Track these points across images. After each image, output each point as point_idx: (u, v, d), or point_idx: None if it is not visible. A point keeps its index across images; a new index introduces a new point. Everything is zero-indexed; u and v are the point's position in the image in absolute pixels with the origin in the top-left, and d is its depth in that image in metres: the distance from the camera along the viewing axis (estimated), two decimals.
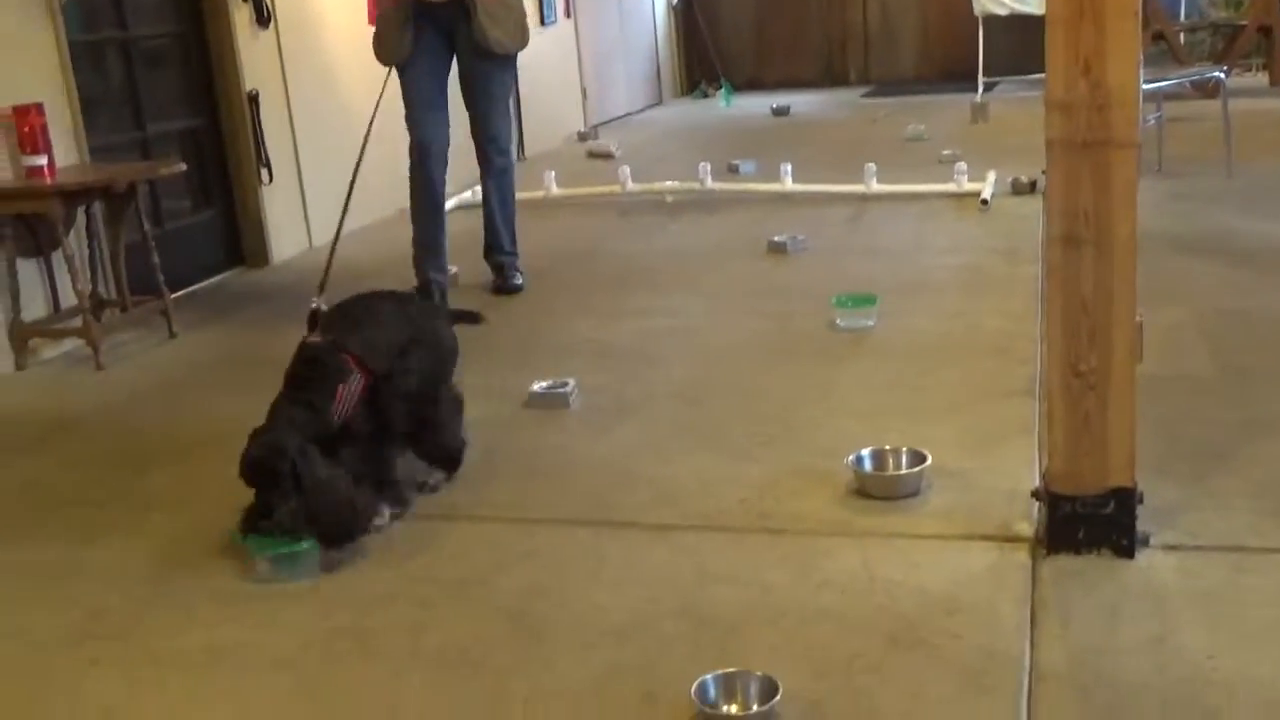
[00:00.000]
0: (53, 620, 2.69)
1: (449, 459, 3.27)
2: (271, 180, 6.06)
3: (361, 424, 3.00)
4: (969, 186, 6.43)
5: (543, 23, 9.28)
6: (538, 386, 3.84)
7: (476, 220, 5.27)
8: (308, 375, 2.96)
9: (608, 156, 8.52)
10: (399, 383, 3.05)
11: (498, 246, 5.22)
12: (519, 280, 5.20)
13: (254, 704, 2.31)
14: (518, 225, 5.30)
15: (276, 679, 2.39)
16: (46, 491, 3.39)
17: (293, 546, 2.79)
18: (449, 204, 5.80)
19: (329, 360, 2.97)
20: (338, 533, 2.83)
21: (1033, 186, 6.30)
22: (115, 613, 2.70)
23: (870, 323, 4.35)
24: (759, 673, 2.21)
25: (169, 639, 2.57)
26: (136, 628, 2.63)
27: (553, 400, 3.79)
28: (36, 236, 4.63)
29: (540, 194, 6.95)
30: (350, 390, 2.96)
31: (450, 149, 5.00)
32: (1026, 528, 2.76)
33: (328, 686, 2.36)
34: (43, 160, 4.47)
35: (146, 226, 4.85)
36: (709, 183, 6.83)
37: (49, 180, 4.47)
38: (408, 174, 4.99)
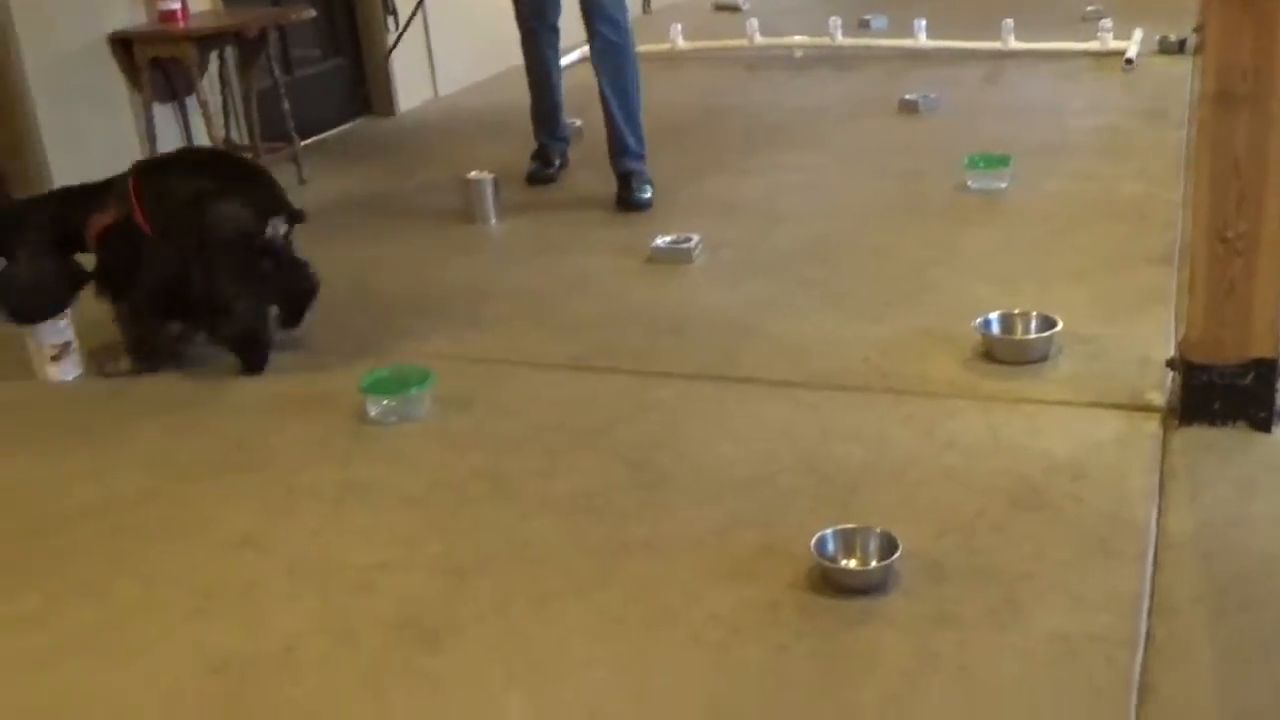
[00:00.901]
0: (194, 451, 2.80)
1: (229, 341, 3.20)
2: (398, 29, 6.05)
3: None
4: (1113, 45, 6.16)
5: None
6: (661, 241, 3.82)
7: None
8: (88, 191, 3.24)
9: (735, 9, 8.33)
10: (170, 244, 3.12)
11: (622, 148, 4.38)
12: (647, 194, 4.35)
13: (385, 537, 2.39)
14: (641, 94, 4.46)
15: (407, 515, 2.47)
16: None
17: (403, 391, 2.86)
18: (575, 55, 5.72)
19: (101, 192, 3.22)
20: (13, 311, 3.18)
21: (1181, 46, 6.02)
22: (252, 446, 2.80)
23: (1003, 184, 4.24)
24: (879, 529, 2.22)
25: (303, 473, 2.66)
26: (273, 461, 2.73)
27: (676, 255, 3.78)
28: (171, 82, 4.71)
29: (666, 47, 6.84)
30: (100, 221, 3.17)
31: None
32: (1158, 397, 2.71)
33: (457, 524, 2.43)
34: (176, 4, 4.53)
35: (277, 73, 4.90)
36: (839, 38, 6.65)
37: (182, 25, 4.53)
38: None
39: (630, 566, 2.25)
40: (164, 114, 4.70)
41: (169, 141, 4.70)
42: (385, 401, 2.86)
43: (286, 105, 4.85)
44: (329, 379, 3.09)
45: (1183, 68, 5.72)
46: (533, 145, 4.77)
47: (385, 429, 2.83)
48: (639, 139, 4.40)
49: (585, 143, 5.10)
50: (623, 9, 4.31)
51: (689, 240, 3.80)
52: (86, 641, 2.14)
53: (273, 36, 4.88)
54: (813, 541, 2.19)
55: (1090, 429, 2.62)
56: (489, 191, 4.30)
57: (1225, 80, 2.39)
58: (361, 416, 2.87)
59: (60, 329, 3.19)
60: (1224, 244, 2.48)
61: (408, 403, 2.86)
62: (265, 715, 1.92)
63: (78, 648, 2.13)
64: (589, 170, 4.79)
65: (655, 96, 5.37)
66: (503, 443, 2.74)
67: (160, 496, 2.62)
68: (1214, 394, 2.56)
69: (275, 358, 3.21)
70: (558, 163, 4.78)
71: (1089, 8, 7.06)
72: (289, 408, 2.97)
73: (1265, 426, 2.55)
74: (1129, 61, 5.92)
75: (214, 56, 4.85)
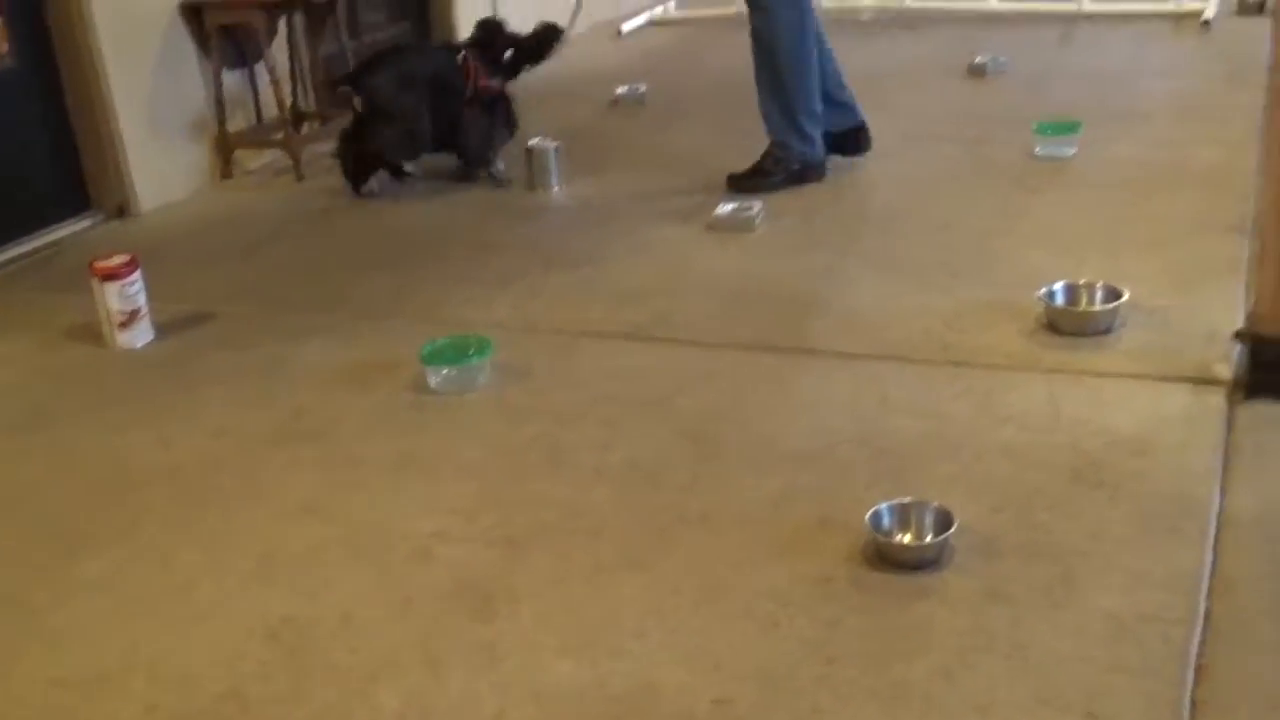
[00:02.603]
0: (258, 420, 2.84)
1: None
2: None
3: None
4: (1190, 5, 6.02)
5: None
6: (722, 209, 3.81)
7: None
8: None
9: None
10: None
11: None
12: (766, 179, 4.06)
13: (442, 506, 2.42)
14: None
15: (465, 485, 2.49)
16: (257, 295, 3.55)
17: (463, 360, 2.89)
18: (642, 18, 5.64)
19: None
20: None
21: (1261, 7, 5.86)
22: (315, 414, 2.84)
23: (1071, 151, 4.17)
24: (935, 504, 2.20)
25: (364, 442, 2.70)
26: (334, 429, 2.76)
27: (738, 223, 3.76)
28: (240, 48, 4.75)
29: (731, 11, 6.77)
30: None
31: None
32: (1225, 371, 2.65)
33: (513, 494, 2.45)
34: None
35: (344, 38, 4.92)
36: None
37: None
38: None
39: (686, 539, 2.25)
40: (233, 79, 4.74)
41: (238, 106, 4.75)
42: (445, 371, 2.88)
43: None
44: (389, 348, 3.12)
45: (1262, 28, 5.55)
46: (591, 107, 4.72)
47: (445, 398, 2.86)
48: (779, 116, 4.04)
49: (648, 109, 5.08)
50: None
51: (750, 209, 3.78)
52: (151, 605, 2.19)
53: (340, 2, 4.90)
54: (868, 516, 2.18)
55: (1154, 403, 2.58)
56: (551, 160, 4.30)
57: None
58: (421, 386, 2.90)
59: (129, 295, 3.25)
60: None
61: (467, 372, 2.88)
62: (322, 680, 1.96)
63: (142, 611, 2.17)
64: (651, 137, 4.77)
65: (715, 60, 5.34)
66: (561, 413, 2.75)
67: (224, 464, 2.66)
68: None
69: (340, 322, 3.25)
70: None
71: None
72: (350, 377, 3.00)
73: None
74: (1206, 23, 5.78)
75: (282, 23, 4.88)
